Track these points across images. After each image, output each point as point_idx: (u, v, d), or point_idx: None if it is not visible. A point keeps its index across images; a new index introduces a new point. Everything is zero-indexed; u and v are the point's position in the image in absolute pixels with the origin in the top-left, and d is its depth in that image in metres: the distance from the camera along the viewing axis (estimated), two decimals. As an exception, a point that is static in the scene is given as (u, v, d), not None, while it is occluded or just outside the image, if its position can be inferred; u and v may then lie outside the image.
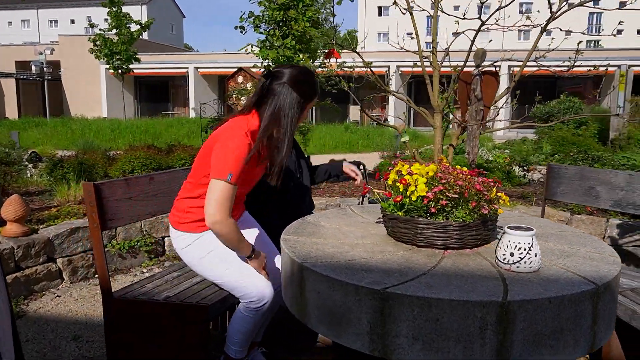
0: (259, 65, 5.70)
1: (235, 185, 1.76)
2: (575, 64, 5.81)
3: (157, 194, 2.33)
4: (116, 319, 2.04)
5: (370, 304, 1.27)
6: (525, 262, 1.37)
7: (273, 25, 5.11)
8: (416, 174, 1.60)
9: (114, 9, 17.37)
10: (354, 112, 24.18)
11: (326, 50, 5.49)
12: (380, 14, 46.93)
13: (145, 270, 3.71)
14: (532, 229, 1.40)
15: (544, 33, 5.02)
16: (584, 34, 5.73)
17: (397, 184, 1.70)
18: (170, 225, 2.04)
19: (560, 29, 5.33)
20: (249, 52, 5.76)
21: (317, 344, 2.47)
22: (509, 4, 4.95)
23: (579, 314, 1.26)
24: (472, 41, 5.53)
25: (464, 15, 5.59)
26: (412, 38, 4.92)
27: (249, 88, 13.04)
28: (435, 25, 6.02)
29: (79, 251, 3.43)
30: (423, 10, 6.32)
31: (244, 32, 5.54)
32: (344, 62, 5.46)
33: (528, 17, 5.85)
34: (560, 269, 1.42)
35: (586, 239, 1.74)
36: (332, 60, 5.40)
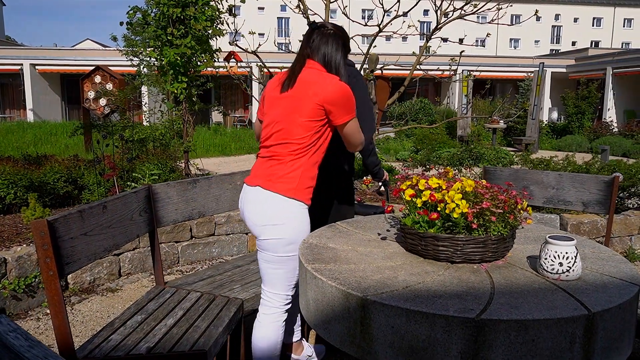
0: (152, 64, 5.16)
1: None
2: (425, 68, 6.40)
3: (111, 225, 1.96)
4: (85, 385, 1.66)
5: (462, 333, 1.21)
6: (573, 271, 1.44)
7: (168, 22, 4.66)
8: (444, 189, 1.58)
9: None
10: (216, 114, 23.51)
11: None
12: (231, 13, 46.23)
13: (48, 311, 3.10)
14: (573, 238, 1.47)
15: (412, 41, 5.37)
16: (460, 42, 6.32)
17: (416, 199, 1.66)
18: (272, 193, 1.89)
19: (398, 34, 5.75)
20: (148, 53, 5.16)
21: None
22: (406, 13, 5.25)
23: (632, 314, 1.36)
24: (369, 46, 5.75)
25: (366, 23, 5.77)
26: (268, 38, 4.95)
27: (109, 89, 11.78)
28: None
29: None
30: (315, 14, 6.39)
31: (130, 29, 4.97)
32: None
33: (410, 26, 6.28)
34: (594, 273, 1.52)
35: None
36: (232, 62, 5.16)
